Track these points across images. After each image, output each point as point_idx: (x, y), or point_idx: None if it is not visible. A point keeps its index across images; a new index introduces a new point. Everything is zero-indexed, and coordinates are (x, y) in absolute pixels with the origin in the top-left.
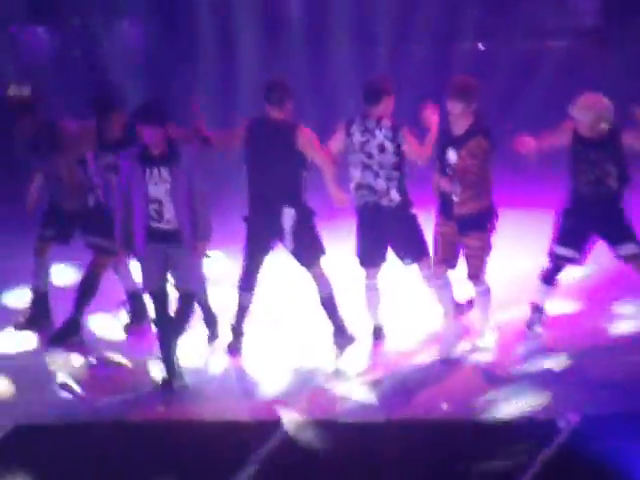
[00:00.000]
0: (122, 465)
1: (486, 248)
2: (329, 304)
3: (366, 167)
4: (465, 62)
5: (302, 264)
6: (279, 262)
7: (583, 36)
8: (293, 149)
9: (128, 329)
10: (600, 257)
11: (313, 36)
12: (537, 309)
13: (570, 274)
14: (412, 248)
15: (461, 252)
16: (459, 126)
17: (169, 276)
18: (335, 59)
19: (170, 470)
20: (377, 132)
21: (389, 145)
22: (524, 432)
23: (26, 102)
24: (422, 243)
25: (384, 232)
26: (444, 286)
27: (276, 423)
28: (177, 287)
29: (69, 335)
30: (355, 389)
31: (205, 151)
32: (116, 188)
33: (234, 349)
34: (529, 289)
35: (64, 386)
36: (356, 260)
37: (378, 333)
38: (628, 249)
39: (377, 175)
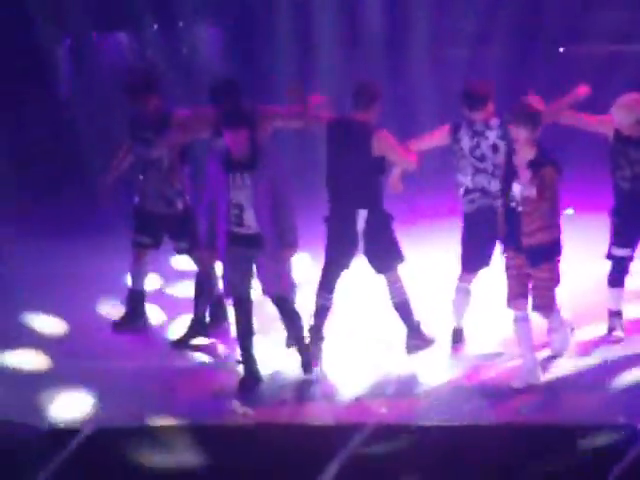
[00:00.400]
0: (203, 469)
1: (555, 279)
2: (403, 309)
3: (478, 171)
4: (545, 65)
5: (377, 270)
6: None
7: None
8: (369, 153)
9: (209, 329)
10: None
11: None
12: (614, 314)
13: None
14: None
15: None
16: (524, 155)
17: (257, 282)
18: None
19: (251, 475)
20: (488, 132)
21: (502, 144)
22: (605, 437)
23: (145, 84)
24: None
25: (494, 236)
26: (525, 319)
27: (356, 427)
28: (266, 293)
29: (194, 336)
30: (434, 392)
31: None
32: (204, 191)
33: (313, 353)
34: (602, 294)
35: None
36: (459, 262)
37: (459, 336)
38: None
39: (493, 176)
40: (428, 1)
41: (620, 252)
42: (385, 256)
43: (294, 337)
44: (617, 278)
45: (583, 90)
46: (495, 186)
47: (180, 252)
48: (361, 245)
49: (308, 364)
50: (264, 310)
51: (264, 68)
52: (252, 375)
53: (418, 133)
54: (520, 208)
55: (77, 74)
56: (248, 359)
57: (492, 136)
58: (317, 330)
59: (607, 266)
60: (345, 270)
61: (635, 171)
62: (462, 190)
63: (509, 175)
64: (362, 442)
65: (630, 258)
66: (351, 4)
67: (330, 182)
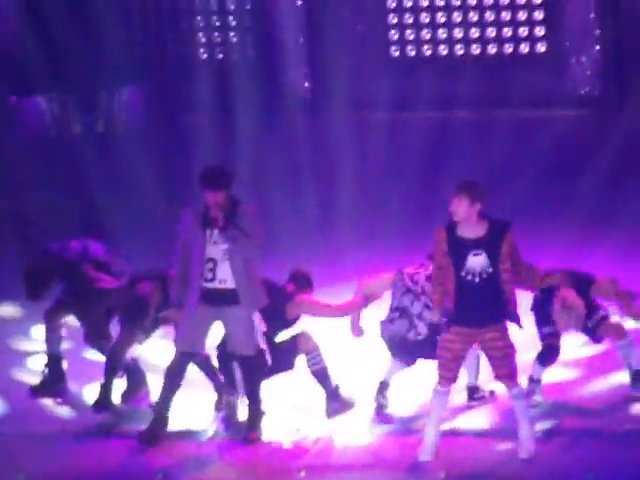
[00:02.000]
0: None
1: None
2: (321, 375)
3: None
4: (460, 130)
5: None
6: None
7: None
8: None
9: (125, 396)
10: None
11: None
12: (536, 381)
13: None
14: None
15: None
16: (475, 229)
17: (226, 341)
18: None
19: None
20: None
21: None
22: None
23: None
24: None
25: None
26: (446, 394)
27: None
28: (231, 351)
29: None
30: (355, 456)
31: None
32: (176, 247)
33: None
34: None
35: None
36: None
37: (474, 393)
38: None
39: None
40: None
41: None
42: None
43: (249, 397)
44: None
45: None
46: (417, 309)
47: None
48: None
49: (254, 425)
50: None
51: (183, 130)
52: (160, 426)
53: None
54: (477, 280)
55: None
56: (162, 409)
57: (420, 279)
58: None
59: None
60: None
61: None
62: (391, 311)
63: (457, 249)
64: None
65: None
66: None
67: None
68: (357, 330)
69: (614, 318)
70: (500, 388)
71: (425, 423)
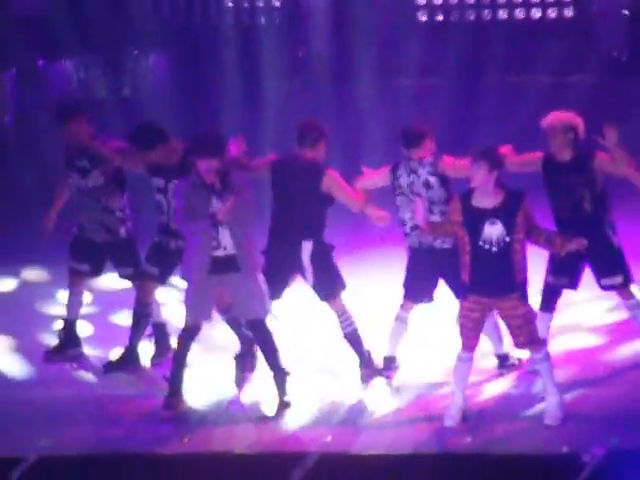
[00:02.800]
0: None
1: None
2: (352, 338)
3: None
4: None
5: (322, 298)
6: (302, 295)
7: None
8: (319, 191)
9: (153, 360)
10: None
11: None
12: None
13: (589, 309)
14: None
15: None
16: (492, 197)
17: (232, 308)
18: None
19: None
20: (420, 170)
21: (433, 180)
22: (548, 466)
23: (75, 112)
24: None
25: (437, 274)
26: (469, 360)
27: (299, 456)
28: (242, 317)
29: (125, 364)
30: (380, 421)
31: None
32: (175, 216)
33: (240, 381)
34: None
35: None
36: (402, 290)
37: (391, 364)
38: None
39: (430, 212)
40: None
41: (554, 281)
42: (328, 284)
43: (269, 362)
44: (548, 304)
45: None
46: (434, 220)
47: (123, 278)
48: (308, 275)
49: (283, 390)
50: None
51: (209, 98)
52: (176, 395)
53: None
54: (495, 249)
55: (23, 101)
56: (177, 379)
57: (424, 173)
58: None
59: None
60: (278, 300)
61: (573, 199)
62: (408, 227)
63: (472, 219)
64: (306, 471)
65: (565, 286)
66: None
67: (276, 216)
68: (378, 214)
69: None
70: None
71: (450, 389)
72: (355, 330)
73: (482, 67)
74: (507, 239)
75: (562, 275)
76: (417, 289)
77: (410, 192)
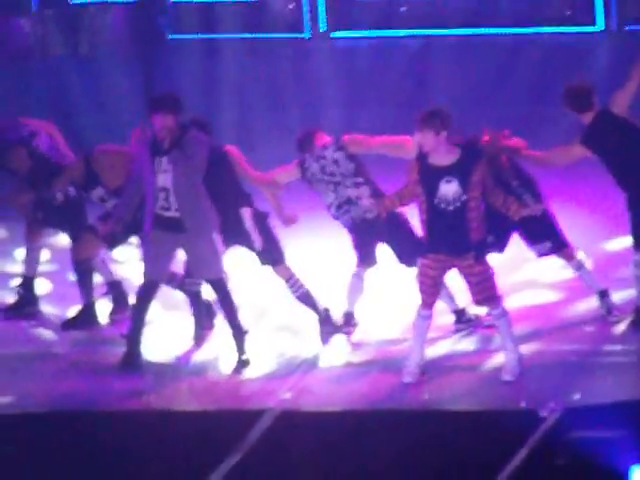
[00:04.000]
0: (105, 456)
1: (491, 268)
2: (305, 300)
3: (336, 185)
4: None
5: (267, 264)
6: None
7: None
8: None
9: (111, 316)
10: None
11: None
12: None
13: (546, 265)
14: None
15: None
16: (446, 157)
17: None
18: None
19: (154, 461)
20: (324, 152)
21: (338, 155)
22: (506, 422)
23: None
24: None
25: (377, 240)
26: (427, 318)
27: (258, 412)
28: (197, 277)
29: (83, 322)
30: (339, 377)
31: None
32: (129, 173)
33: (199, 339)
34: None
35: None
36: (353, 256)
37: (350, 319)
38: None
39: (345, 186)
40: None
41: None
42: (271, 251)
43: (228, 319)
44: None
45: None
46: (353, 192)
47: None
48: (255, 239)
49: (242, 348)
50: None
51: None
52: (135, 353)
53: None
54: (451, 207)
55: None
56: (135, 337)
57: (329, 153)
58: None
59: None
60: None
61: None
62: (333, 208)
63: (429, 177)
64: (265, 428)
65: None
66: None
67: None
68: (287, 215)
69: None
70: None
71: (408, 346)
72: (306, 292)
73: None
74: (463, 198)
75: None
76: (366, 257)
77: (324, 175)
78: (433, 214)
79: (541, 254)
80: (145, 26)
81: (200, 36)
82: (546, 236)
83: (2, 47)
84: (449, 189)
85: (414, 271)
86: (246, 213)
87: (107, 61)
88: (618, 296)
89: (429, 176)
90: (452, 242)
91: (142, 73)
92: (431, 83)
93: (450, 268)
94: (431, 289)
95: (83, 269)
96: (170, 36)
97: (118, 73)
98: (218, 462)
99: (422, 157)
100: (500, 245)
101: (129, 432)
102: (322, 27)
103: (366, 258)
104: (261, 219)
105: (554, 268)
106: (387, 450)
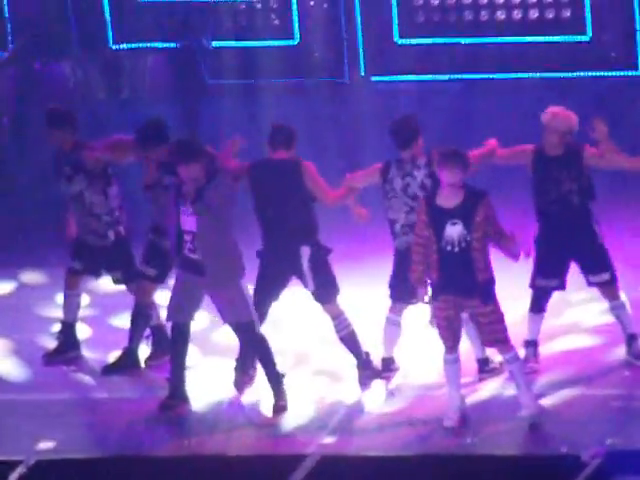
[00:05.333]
0: None
1: (501, 312)
2: (349, 340)
3: (412, 209)
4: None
5: (320, 302)
6: (299, 297)
7: None
8: (302, 187)
9: (149, 361)
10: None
11: None
12: (530, 344)
13: (587, 309)
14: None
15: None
16: (454, 197)
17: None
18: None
19: None
20: (416, 172)
21: (428, 182)
22: (548, 467)
23: (60, 121)
24: None
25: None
26: (455, 361)
27: (298, 458)
28: (224, 321)
29: (124, 367)
30: (377, 422)
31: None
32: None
33: (240, 384)
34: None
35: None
36: (388, 293)
37: (389, 365)
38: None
39: None
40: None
41: (544, 283)
42: (325, 288)
43: (262, 365)
44: (539, 305)
45: (493, 143)
46: None
47: (116, 283)
48: (308, 279)
49: (279, 393)
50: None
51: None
52: (177, 396)
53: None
54: (457, 249)
55: (20, 102)
56: (175, 379)
57: (420, 175)
58: (244, 360)
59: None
60: (274, 300)
61: (561, 192)
62: (397, 226)
63: (436, 219)
64: (305, 474)
65: (555, 288)
66: None
67: (267, 222)
68: (359, 212)
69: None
70: None
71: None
72: (351, 332)
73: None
74: (467, 239)
75: (551, 277)
76: (403, 290)
77: (404, 194)
78: (441, 256)
79: (594, 283)
80: (186, 71)
81: (240, 82)
82: (605, 267)
83: (43, 91)
84: (454, 231)
85: None
86: (305, 252)
87: (147, 105)
88: None
89: (437, 218)
90: (459, 283)
91: (184, 118)
92: (469, 124)
93: (463, 309)
94: (447, 331)
95: (142, 314)
96: (210, 81)
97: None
98: None
99: (429, 199)
100: (562, 283)
101: (168, 477)
102: (362, 72)
103: (404, 292)
104: (322, 254)
105: (594, 313)
106: None
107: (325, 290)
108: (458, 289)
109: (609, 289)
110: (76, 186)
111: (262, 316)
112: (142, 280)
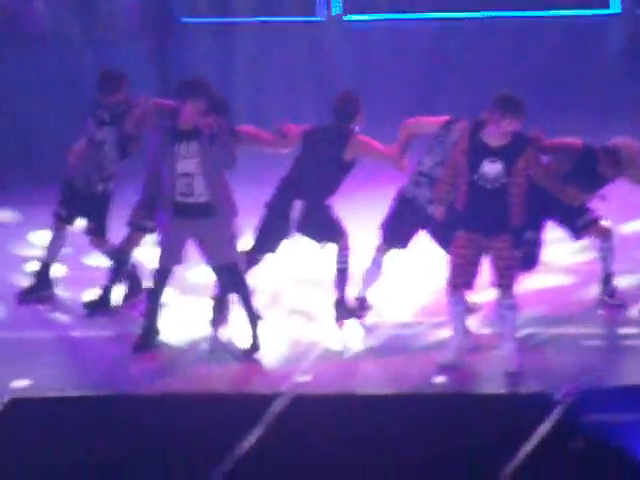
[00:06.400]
0: (120, 439)
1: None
2: (343, 275)
3: (438, 163)
4: None
5: (327, 240)
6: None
7: None
8: (341, 159)
9: (125, 301)
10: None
11: None
12: None
13: (567, 249)
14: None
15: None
16: (500, 138)
17: (203, 254)
18: None
19: (168, 443)
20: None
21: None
22: (520, 405)
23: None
24: None
25: (419, 227)
26: (460, 304)
27: (272, 396)
28: (215, 262)
29: (102, 306)
30: (352, 361)
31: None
32: (146, 163)
33: (217, 323)
34: None
35: None
36: (380, 233)
37: (363, 303)
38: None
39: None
40: None
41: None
42: (333, 231)
43: (242, 305)
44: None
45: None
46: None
47: (87, 232)
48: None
49: (254, 332)
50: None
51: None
52: (150, 335)
53: None
54: (489, 186)
55: None
56: (150, 320)
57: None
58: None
59: None
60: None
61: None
62: (415, 172)
63: (475, 152)
64: (279, 412)
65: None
66: None
67: (293, 177)
68: (403, 163)
69: (604, 222)
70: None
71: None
72: (347, 269)
73: None
74: (504, 180)
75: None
76: (396, 234)
77: (443, 148)
78: (471, 191)
79: (580, 229)
80: (157, 10)
81: (213, 20)
82: (582, 212)
83: (16, 29)
84: (491, 168)
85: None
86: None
87: (120, 45)
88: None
89: (475, 152)
90: (487, 221)
91: (155, 57)
92: (446, 66)
93: (483, 251)
94: (461, 268)
95: (122, 259)
96: (183, 19)
97: (131, 57)
98: (232, 445)
99: (474, 130)
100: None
101: (145, 414)
102: (336, 10)
103: (396, 237)
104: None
105: (567, 252)
106: (403, 434)
107: (332, 232)
108: (487, 227)
109: (599, 229)
110: (103, 134)
111: (255, 261)
112: (136, 231)
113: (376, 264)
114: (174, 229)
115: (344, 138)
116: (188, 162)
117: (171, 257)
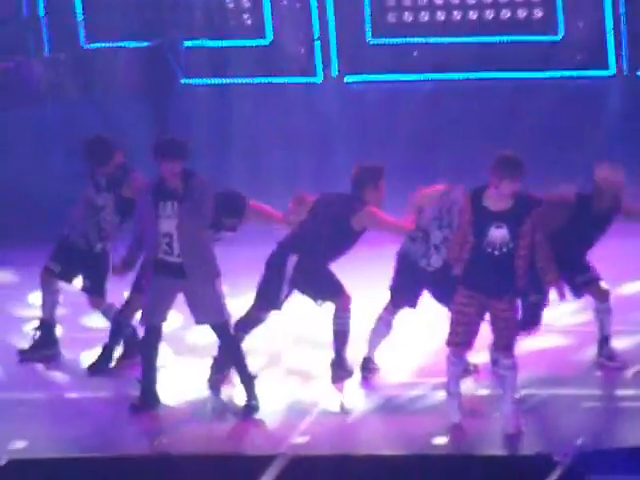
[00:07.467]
0: None
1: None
2: (342, 337)
3: (441, 226)
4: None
5: (329, 300)
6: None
7: None
8: (348, 226)
9: (122, 360)
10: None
11: None
12: None
13: (566, 310)
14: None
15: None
16: (503, 203)
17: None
18: None
19: None
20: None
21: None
22: (520, 466)
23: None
24: None
25: (424, 286)
26: (459, 364)
27: (269, 457)
28: (198, 322)
29: (102, 367)
30: (350, 422)
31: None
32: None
33: (215, 383)
34: None
35: None
36: (390, 297)
37: (369, 365)
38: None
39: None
40: None
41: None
42: (332, 288)
43: (234, 365)
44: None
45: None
46: (436, 239)
47: (83, 290)
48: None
49: (251, 394)
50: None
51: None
52: (148, 397)
53: None
54: (497, 252)
55: None
56: (147, 380)
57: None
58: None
59: None
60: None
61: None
62: (414, 235)
63: (480, 220)
64: (276, 473)
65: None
66: None
67: (300, 237)
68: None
69: (603, 283)
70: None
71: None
72: (346, 331)
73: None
74: (510, 245)
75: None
76: (403, 295)
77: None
78: (478, 256)
79: (580, 287)
80: (158, 70)
81: (213, 80)
82: (583, 270)
83: (15, 91)
84: (498, 234)
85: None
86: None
87: (120, 105)
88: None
89: (481, 219)
90: (492, 284)
91: (155, 117)
92: (444, 126)
93: (486, 311)
94: (462, 327)
95: (122, 321)
96: (183, 80)
97: (131, 116)
98: None
99: (476, 198)
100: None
101: (143, 476)
102: (334, 72)
103: (404, 297)
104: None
105: (565, 313)
106: None
107: (331, 290)
108: (489, 290)
109: (598, 289)
110: (102, 200)
111: (258, 321)
112: (137, 294)
113: (385, 324)
114: (156, 286)
115: (354, 207)
116: (169, 222)
117: (153, 314)
